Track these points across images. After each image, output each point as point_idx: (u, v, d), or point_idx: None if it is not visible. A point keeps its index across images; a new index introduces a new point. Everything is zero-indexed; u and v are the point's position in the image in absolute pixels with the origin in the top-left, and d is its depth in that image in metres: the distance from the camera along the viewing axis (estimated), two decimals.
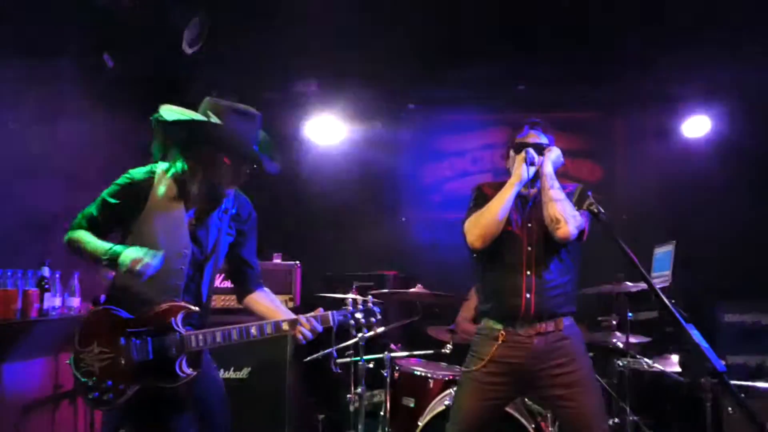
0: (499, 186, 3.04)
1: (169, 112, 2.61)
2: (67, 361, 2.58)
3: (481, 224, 2.91)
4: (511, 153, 3.07)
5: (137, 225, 2.64)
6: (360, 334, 2.81)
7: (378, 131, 6.00)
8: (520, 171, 2.92)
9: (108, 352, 2.53)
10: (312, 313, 2.70)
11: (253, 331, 2.64)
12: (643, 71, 5.34)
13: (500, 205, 2.90)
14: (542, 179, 2.94)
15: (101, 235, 2.66)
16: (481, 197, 3.07)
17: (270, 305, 2.85)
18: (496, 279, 2.99)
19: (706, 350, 1.80)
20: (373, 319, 2.75)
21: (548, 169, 2.95)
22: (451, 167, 6.14)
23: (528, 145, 2.99)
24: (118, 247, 2.54)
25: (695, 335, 1.83)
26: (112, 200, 2.66)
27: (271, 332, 2.65)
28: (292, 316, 2.73)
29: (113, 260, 2.51)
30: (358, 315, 2.73)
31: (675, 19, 4.70)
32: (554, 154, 3.00)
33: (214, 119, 2.62)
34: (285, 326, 2.67)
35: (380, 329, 4.19)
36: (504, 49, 5.11)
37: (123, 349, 2.53)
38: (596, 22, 4.83)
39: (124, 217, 2.67)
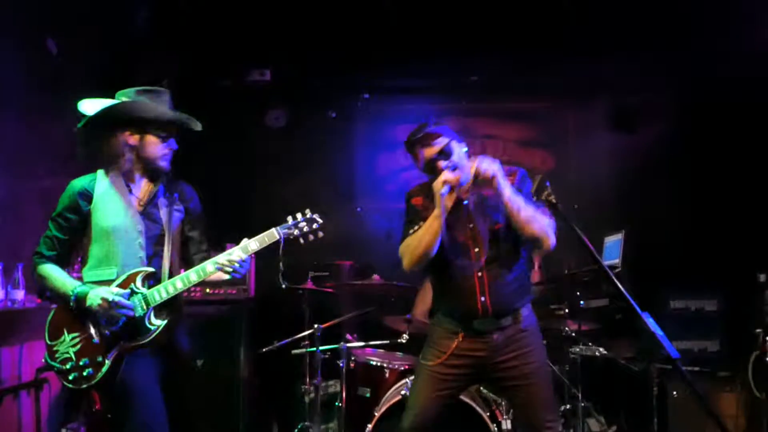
0: (423, 190, 3.00)
1: (90, 105, 2.84)
2: (43, 360, 2.76)
3: (413, 253, 2.86)
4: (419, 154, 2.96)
5: (90, 220, 2.80)
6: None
7: (332, 121, 5.96)
8: (440, 202, 2.76)
9: (79, 335, 2.73)
10: (258, 236, 2.83)
11: (209, 267, 2.79)
12: (593, 61, 5.43)
13: (430, 237, 2.80)
14: (507, 205, 2.75)
15: (67, 252, 2.83)
16: (411, 211, 3.02)
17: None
18: (448, 282, 2.92)
19: (660, 338, 1.84)
20: (315, 225, 2.87)
21: (507, 192, 2.74)
22: (405, 156, 6.07)
23: (432, 161, 2.88)
24: (82, 288, 2.70)
25: (650, 323, 1.87)
26: (63, 214, 2.80)
27: (223, 262, 2.77)
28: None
29: (80, 302, 2.68)
30: (302, 224, 2.86)
31: (625, 9, 4.80)
32: (495, 167, 2.71)
33: (127, 99, 2.82)
34: (236, 254, 2.81)
35: (337, 320, 4.19)
36: (457, 39, 5.13)
37: (92, 328, 2.71)
38: (548, 13, 4.90)
39: (79, 226, 2.81)
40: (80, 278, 2.82)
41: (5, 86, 3.97)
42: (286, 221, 2.87)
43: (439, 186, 2.77)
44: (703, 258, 5.17)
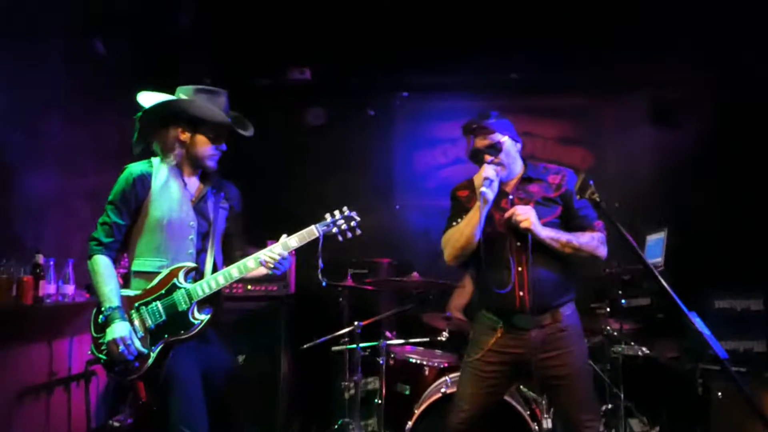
0: (471, 185, 3.03)
1: (146, 97, 2.89)
2: (89, 351, 2.84)
3: (454, 246, 2.92)
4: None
5: (145, 209, 2.84)
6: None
7: (371, 119, 5.99)
8: (483, 194, 2.80)
9: None
10: (297, 233, 2.89)
11: (251, 263, 2.85)
12: (632, 56, 5.35)
13: (471, 229, 2.85)
14: (549, 243, 2.80)
15: (125, 239, 2.84)
16: (456, 205, 3.07)
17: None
18: (489, 276, 2.91)
19: (708, 337, 1.81)
20: (353, 223, 2.93)
21: (545, 234, 2.81)
22: (444, 154, 6.13)
23: (480, 152, 2.93)
24: (114, 314, 2.71)
25: (698, 323, 1.85)
26: (123, 198, 2.82)
27: (264, 259, 2.84)
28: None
29: (106, 323, 2.72)
30: (340, 222, 2.91)
31: (663, 5, 4.73)
32: (529, 217, 2.78)
33: (185, 98, 2.88)
34: (277, 251, 2.87)
35: (377, 317, 4.21)
36: (496, 37, 5.11)
37: (136, 321, 2.77)
38: (587, 8, 4.85)
39: (135, 213, 2.85)
40: (126, 272, 2.88)
41: (52, 85, 4.09)
42: (325, 219, 2.92)
43: (479, 181, 2.83)
44: (748, 256, 5.05)
